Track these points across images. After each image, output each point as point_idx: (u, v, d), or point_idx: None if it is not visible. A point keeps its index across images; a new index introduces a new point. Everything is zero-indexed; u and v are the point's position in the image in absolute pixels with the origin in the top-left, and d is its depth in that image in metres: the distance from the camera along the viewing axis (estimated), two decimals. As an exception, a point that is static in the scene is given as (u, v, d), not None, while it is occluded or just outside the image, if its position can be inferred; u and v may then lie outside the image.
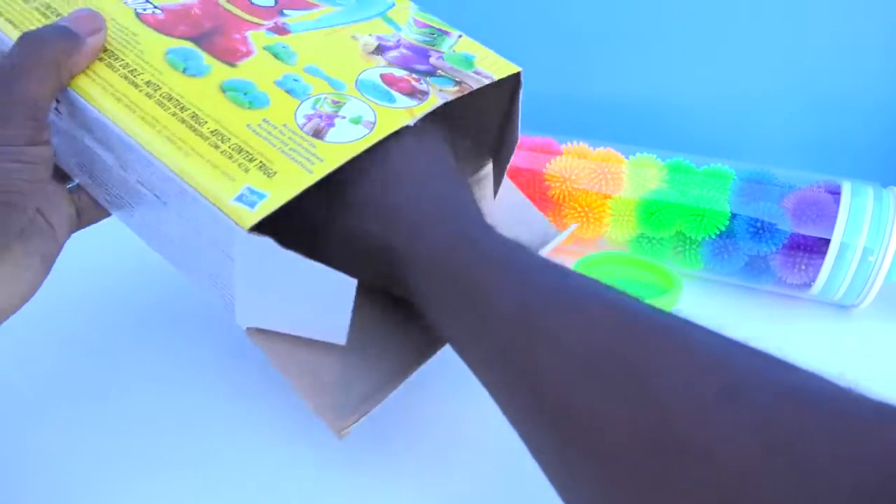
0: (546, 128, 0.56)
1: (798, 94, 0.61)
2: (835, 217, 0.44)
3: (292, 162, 0.28)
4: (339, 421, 0.31)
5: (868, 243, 0.43)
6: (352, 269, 0.30)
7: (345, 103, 0.31)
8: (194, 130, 0.29)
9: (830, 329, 0.46)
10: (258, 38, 0.34)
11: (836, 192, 0.45)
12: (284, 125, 0.30)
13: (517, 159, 0.52)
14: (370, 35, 0.36)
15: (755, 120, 0.62)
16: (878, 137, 0.61)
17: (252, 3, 0.35)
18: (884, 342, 0.44)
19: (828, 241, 0.44)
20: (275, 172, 0.28)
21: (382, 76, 0.33)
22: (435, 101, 0.32)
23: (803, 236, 0.45)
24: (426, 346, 0.35)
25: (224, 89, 0.31)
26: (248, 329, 0.31)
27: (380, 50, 0.35)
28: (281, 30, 0.34)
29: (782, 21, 0.58)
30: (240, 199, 0.27)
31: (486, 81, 0.35)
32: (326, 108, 0.31)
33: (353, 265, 0.30)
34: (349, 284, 0.28)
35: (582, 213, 0.50)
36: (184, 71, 0.31)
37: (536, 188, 0.51)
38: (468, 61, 0.36)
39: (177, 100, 0.30)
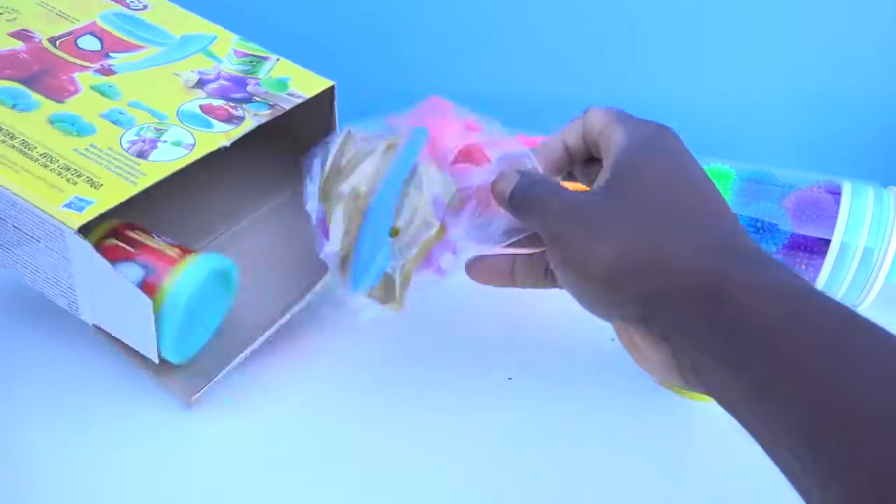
0: (546, 128, 0.56)
1: (798, 94, 0.60)
2: (835, 217, 0.44)
3: (117, 177, 0.31)
4: (187, 393, 0.35)
5: (868, 243, 0.43)
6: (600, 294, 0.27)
7: (166, 130, 0.34)
8: (24, 154, 0.32)
9: (830, 329, 0.46)
10: (85, 78, 0.36)
11: (836, 192, 0.45)
12: (110, 148, 0.33)
13: (517, 159, 0.52)
14: (191, 71, 0.39)
15: (755, 120, 0.62)
16: (878, 137, 0.61)
17: (79, 48, 0.38)
18: (884, 342, 0.44)
19: (828, 242, 0.44)
20: (101, 185, 0.31)
21: (201, 106, 0.37)
22: (250, 123, 0.36)
23: (804, 236, 0.45)
24: (272, 319, 0.38)
25: (52, 121, 0.34)
26: (94, 325, 0.34)
27: (200, 84, 0.38)
28: (107, 71, 0.37)
29: (782, 21, 0.58)
30: (69, 205, 0.30)
31: (298, 101, 0.38)
32: (149, 135, 0.34)
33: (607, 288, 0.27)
34: (146, 305, 0.31)
35: (582, 213, 0.50)
36: (13, 107, 0.34)
37: (536, 188, 0.51)
38: (282, 84, 0.40)
39: (7, 130, 0.32)
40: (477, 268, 0.34)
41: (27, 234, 0.32)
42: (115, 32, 0.40)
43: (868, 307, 0.46)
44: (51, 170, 0.31)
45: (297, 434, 0.36)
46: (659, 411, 0.40)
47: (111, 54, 0.38)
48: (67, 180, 0.31)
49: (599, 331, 0.33)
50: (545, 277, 0.33)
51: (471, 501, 0.34)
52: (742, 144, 0.63)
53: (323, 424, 0.37)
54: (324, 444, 0.36)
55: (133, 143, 0.33)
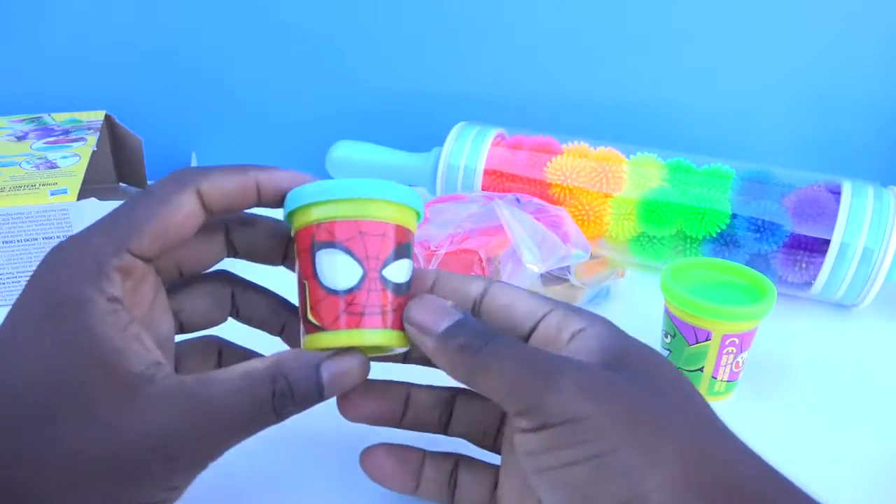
0: (546, 127, 0.56)
1: (798, 94, 0.61)
2: (835, 216, 0.44)
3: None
4: None
5: (868, 243, 0.43)
6: None
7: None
8: None
9: (830, 329, 0.46)
10: None
11: (836, 192, 0.45)
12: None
13: (518, 159, 0.52)
14: None
15: (755, 120, 0.62)
16: (878, 137, 0.61)
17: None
18: (884, 342, 0.44)
19: (828, 241, 0.44)
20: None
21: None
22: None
23: (804, 235, 0.45)
24: None
25: None
26: None
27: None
28: None
29: (782, 21, 0.58)
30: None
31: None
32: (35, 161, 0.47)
33: None
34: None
35: (582, 213, 0.50)
36: None
37: (537, 187, 0.51)
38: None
39: None
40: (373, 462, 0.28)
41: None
42: None
43: (868, 307, 0.46)
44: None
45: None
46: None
47: None
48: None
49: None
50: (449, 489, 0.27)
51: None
52: (742, 144, 0.63)
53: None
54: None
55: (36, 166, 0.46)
